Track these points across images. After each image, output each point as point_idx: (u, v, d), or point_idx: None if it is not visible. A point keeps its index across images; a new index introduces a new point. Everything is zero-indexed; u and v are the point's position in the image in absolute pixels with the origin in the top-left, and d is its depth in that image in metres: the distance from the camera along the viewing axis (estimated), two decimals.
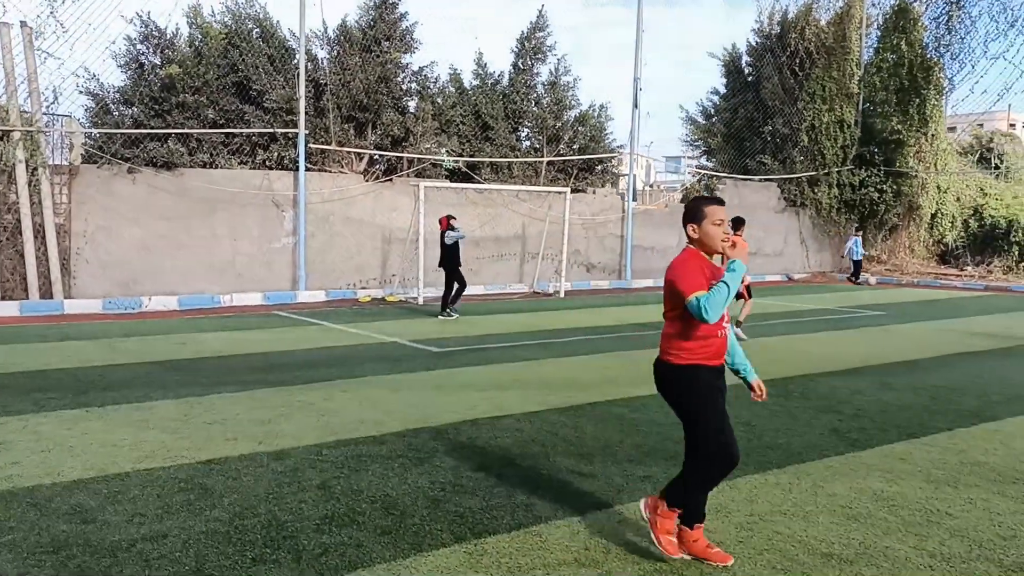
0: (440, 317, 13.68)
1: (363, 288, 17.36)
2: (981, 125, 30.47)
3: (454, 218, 14.39)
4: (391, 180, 18.07)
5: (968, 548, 4.09)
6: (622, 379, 8.46)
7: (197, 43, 17.16)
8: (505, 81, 20.58)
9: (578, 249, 20.21)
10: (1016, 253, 23.87)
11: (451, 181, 18.78)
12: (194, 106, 16.35)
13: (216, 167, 16.34)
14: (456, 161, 18.96)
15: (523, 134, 20.85)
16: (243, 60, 16.88)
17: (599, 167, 21.76)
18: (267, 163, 16.92)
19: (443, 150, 18.73)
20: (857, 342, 11.45)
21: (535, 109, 20.41)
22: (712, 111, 26.64)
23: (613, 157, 21.75)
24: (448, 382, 8.27)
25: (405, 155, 18.33)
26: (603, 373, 8.84)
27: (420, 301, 16.25)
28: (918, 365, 9.59)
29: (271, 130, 16.66)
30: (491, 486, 4.96)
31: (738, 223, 10.50)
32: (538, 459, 5.55)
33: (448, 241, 13.69)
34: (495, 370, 8.97)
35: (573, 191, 19.35)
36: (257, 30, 17.49)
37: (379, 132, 18.24)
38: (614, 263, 21.22)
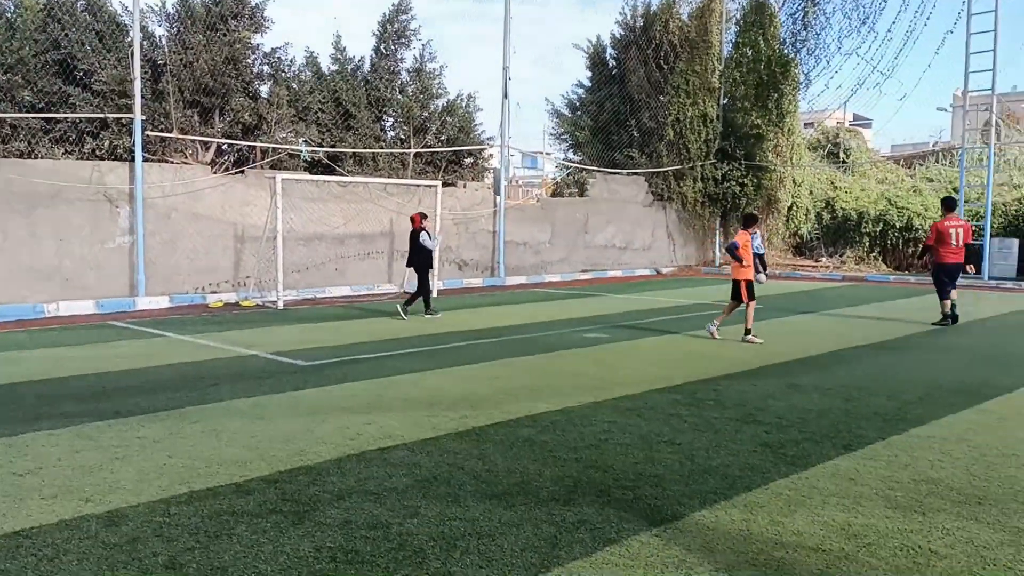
0: (426, 316, 13.15)
1: (214, 292, 15.65)
2: (836, 122, 31.83)
3: (426, 217, 13.84)
4: (243, 172, 16.41)
5: None
6: (519, 392, 7.58)
7: (9, 15, 14.88)
8: (367, 66, 19.28)
9: (449, 246, 19.24)
10: (867, 244, 24.93)
11: (311, 173, 17.32)
12: (6, 87, 14.13)
13: (36, 157, 14.19)
14: (315, 152, 17.51)
15: (388, 124, 19.62)
16: (66, 35, 14.76)
17: (468, 160, 20.84)
18: (97, 153, 14.89)
19: (301, 140, 17.24)
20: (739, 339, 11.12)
21: (400, 97, 19.23)
22: (578, 104, 26.34)
23: (484, 149, 20.89)
24: (322, 404, 7.11)
25: (258, 144, 16.71)
26: (496, 384, 7.93)
27: (280, 305, 14.78)
28: (816, 363, 9.28)
29: (101, 115, 14.66)
30: (393, 549, 3.94)
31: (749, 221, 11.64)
32: (446, 504, 4.56)
33: (427, 245, 13.29)
34: (374, 386, 7.87)
35: (444, 185, 18.33)
36: (83, 2, 15.38)
37: (228, 119, 16.52)
38: (487, 260, 20.39)
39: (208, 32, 15.90)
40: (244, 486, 4.88)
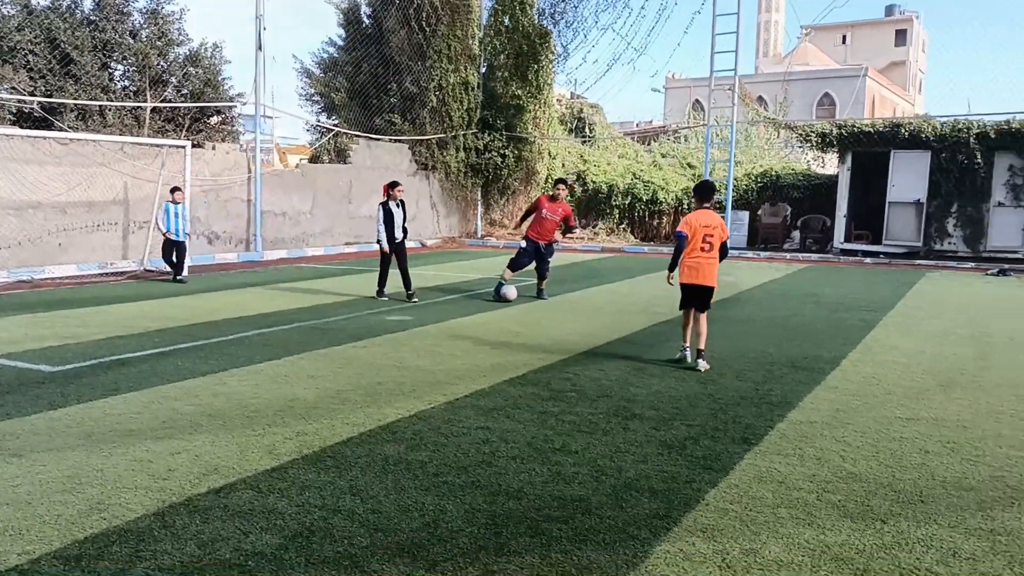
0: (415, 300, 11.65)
1: None
2: (576, 96, 32.77)
3: (397, 185, 11.91)
4: None
5: None
6: (351, 394, 6.38)
7: None
8: (88, 3, 16.22)
9: (198, 217, 16.89)
10: (617, 216, 26.00)
11: (22, 128, 14.18)
12: None
13: None
14: (28, 102, 14.37)
15: (118, 72, 16.72)
16: None
17: (216, 118, 18.46)
18: None
19: (4, 86, 14.05)
20: (552, 316, 10.68)
21: (132, 42, 16.43)
22: (331, 64, 24.56)
23: (234, 106, 18.59)
24: (100, 427, 5.41)
25: None
26: (318, 386, 6.65)
27: None
28: (637, 341, 9.01)
29: None
30: None
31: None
32: (348, 575, 3.40)
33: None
34: (161, 397, 6.22)
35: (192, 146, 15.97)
36: None
37: None
38: (241, 232, 18.25)
39: None
40: None
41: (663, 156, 29.17)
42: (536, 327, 9.71)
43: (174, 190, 13.75)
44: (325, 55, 24.97)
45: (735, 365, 7.69)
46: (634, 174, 26.46)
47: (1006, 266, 18.28)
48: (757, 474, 4.69)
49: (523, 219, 12.50)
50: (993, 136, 19.72)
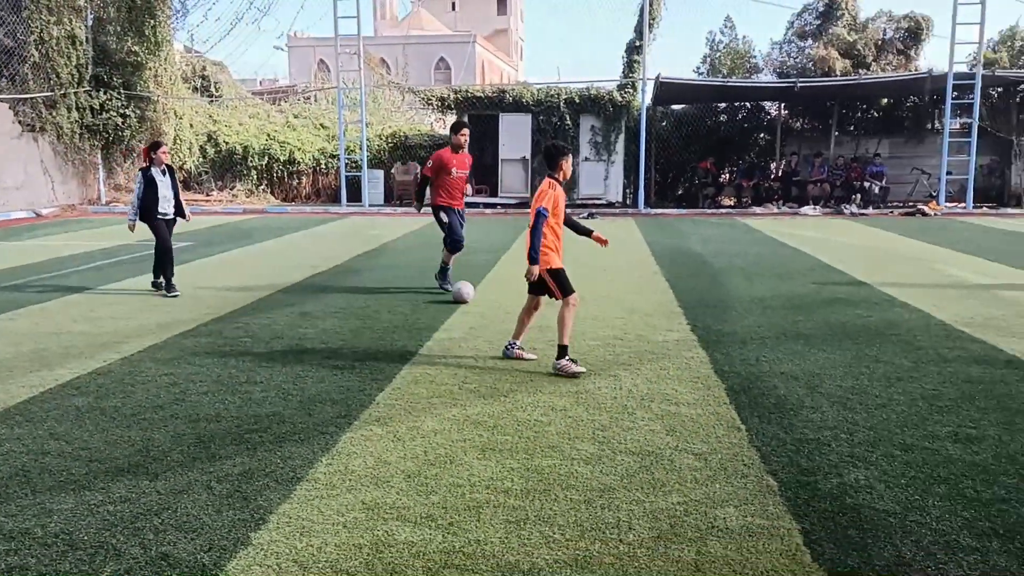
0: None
1: None
2: (198, 54, 31.32)
3: (160, 146, 9.67)
4: None
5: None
6: (15, 360, 6.35)
7: None
8: None
9: None
10: (255, 177, 25.83)
11: None
12: None
13: None
14: None
15: None
16: None
17: None
18: None
19: None
20: (211, 275, 10.95)
21: None
22: None
23: None
24: None
25: None
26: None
27: None
28: (298, 291, 9.77)
29: None
30: (65, 551, 3.30)
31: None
32: (80, 493, 3.88)
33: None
34: None
35: None
36: None
37: None
38: None
39: None
40: None
41: (296, 117, 29.44)
42: (197, 287, 9.96)
43: None
44: None
45: (387, 303, 8.86)
46: (268, 135, 26.48)
47: (593, 210, 22.00)
48: (414, 378, 5.88)
49: (420, 189, 9.79)
50: (578, 101, 23.36)
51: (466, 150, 9.44)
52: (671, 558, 3.28)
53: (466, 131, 9.38)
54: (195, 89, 28.55)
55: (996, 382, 5.72)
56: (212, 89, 29.37)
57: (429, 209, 9.67)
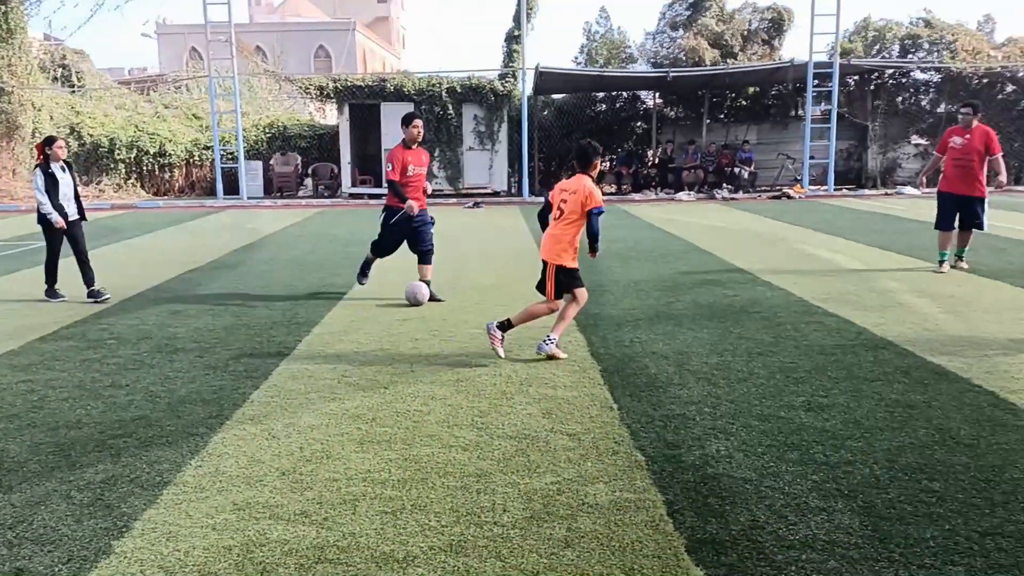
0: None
1: None
2: (59, 41, 29.43)
3: (55, 141, 8.84)
4: None
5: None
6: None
7: None
8: None
9: None
10: (123, 171, 24.56)
11: None
12: None
13: None
14: None
15: None
16: None
17: None
18: None
19: None
20: (76, 274, 10.37)
21: None
22: None
23: None
24: None
25: None
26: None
27: None
28: (170, 288, 9.42)
29: None
30: None
31: None
32: None
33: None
34: None
35: None
36: None
37: None
38: None
39: None
40: None
41: (166, 107, 28.21)
42: (60, 288, 9.41)
43: None
44: None
45: (265, 297, 8.65)
46: (136, 126, 25.26)
47: (479, 199, 22.08)
48: (291, 375, 5.78)
49: (399, 192, 8.17)
50: (460, 90, 23.34)
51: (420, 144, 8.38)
52: (543, 536, 3.37)
53: (419, 122, 8.20)
54: (55, 79, 26.90)
55: (847, 353, 6.13)
56: (74, 79, 27.75)
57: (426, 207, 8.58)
